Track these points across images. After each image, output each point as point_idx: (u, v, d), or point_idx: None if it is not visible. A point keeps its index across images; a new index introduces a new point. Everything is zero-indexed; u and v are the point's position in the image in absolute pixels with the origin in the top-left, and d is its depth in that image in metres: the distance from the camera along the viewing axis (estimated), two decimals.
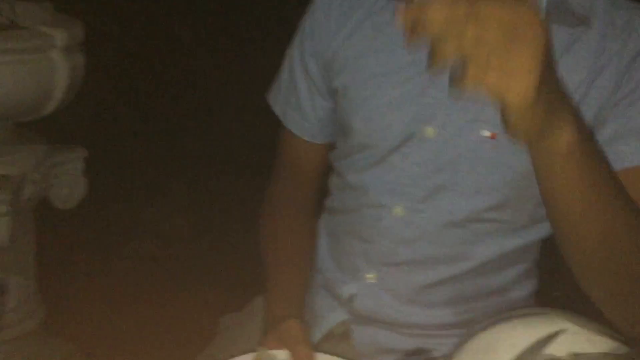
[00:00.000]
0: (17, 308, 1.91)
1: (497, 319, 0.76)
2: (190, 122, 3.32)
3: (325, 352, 0.79)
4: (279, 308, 0.87)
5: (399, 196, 0.86)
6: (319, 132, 0.98)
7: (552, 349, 0.66)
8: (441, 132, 0.82)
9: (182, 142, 3.22)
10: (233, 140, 3.16)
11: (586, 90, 0.76)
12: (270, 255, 0.96)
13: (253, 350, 0.76)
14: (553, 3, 0.77)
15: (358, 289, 0.92)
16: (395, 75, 0.84)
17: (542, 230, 0.87)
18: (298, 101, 0.96)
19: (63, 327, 2.06)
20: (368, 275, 0.91)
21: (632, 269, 0.66)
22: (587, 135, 0.62)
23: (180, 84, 3.51)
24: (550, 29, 0.76)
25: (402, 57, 0.84)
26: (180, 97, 3.47)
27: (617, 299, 0.68)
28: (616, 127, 0.73)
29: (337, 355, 0.79)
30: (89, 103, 2.48)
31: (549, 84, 0.53)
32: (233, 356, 0.76)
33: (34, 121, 1.86)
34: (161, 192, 2.86)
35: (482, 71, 0.49)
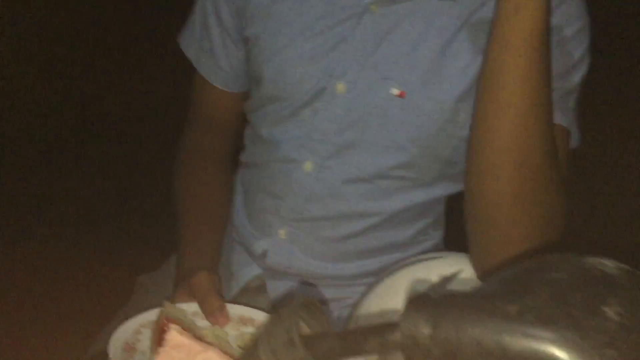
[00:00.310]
0: None
1: (402, 264, 0.80)
2: (107, 84, 3.21)
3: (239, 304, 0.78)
4: (190, 261, 0.85)
5: (308, 152, 0.87)
6: (233, 80, 0.95)
7: (454, 286, 0.70)
8: (352, 89, 0.82)
9: (100, 105, 3.11)
10: (152, 101, 3.07)
11: None
12: (182, 207, 0.93)
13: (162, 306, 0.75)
14: None
15: (270, 245, 0.92)
16: (308, 28, 0.83)
17: (449, 187, 0.90)
18: (211, 47, 0.93)
19: None
20: (279, 231, 0.91)
21: (539, 179, 0.68)
22: (546, 37, 0.65)
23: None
24: None
25: (316, 8, 0.82)
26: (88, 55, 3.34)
27: (517, 206, 0.69)
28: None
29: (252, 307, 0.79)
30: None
31: None
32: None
33: None
34: (80, 157, 2.75)
35: None
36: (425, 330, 0.36)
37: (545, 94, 0.66)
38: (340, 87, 0.83)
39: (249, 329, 0.75)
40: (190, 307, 0.76)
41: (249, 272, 0.96)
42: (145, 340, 0.72)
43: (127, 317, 0.76)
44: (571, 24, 0.75)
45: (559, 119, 0.73)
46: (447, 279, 0.70)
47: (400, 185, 0.87)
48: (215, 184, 0.97)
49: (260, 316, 0.76)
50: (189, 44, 0.96)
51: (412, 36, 0.80)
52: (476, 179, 0.70)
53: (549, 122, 0.68)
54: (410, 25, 0.80)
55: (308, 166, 0.87)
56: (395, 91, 0.81)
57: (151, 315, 0.74)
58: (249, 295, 0.95)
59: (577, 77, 0.77)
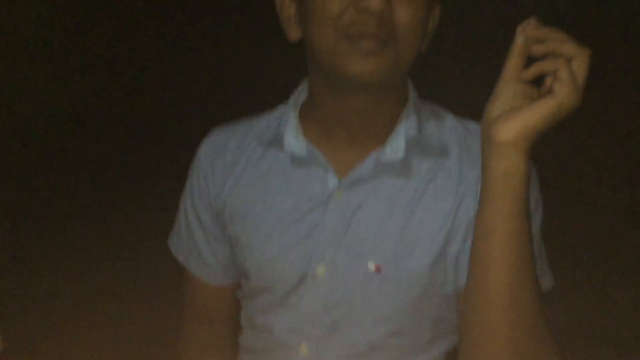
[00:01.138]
0: None
1: None
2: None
3: None
4: None
5: (301, 335, 0.88)
6: (222, 274, 0.99)
7: None
8: (331, 270, 0.85)
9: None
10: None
11: (454, 217, 0.82)
12: None
13: None
14: (412, 139, 0.84)
15: None
16: (282, 221, 0.87)
17: (445, 344, 0.90)
18: (197, 248, 0.97)
19: None
20: None
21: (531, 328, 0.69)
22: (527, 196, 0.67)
23: None
24: (412, 165, 0.84)
25: (286, 202, 0.87)
26: None
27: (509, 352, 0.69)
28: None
29: None
30: None
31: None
32: None
33: None
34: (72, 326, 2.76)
35: None
36: None
37: (531, 251, 0.69)
38: (320, 270, 0.86)
39: None
40: None
41: None
42: None
43: None
44: None
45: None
46: None
47: (398, 355, 0.87)
48: None
49: None
50: (177, 246, 1.00)
51: (378, 213, 0.84)
52: (471, 341, 0.71)
53: (536, 279, 0.70)
54: (374, 204, 0.84)
55: (304, 349, 0.88)
56: (372, 266, 0.83)
57: None
58: None
59: (533, 227, 0.79)
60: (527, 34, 0.65)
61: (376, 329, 0.86)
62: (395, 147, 0.84)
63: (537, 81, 0.67)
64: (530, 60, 0.67)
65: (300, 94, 0.92)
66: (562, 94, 0.62)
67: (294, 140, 0.87)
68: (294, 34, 0.82)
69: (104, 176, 3.09)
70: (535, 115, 0.63)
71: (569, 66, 0.63)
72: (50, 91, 3.42)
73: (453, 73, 4.74)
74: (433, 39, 0.85)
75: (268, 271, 0.88)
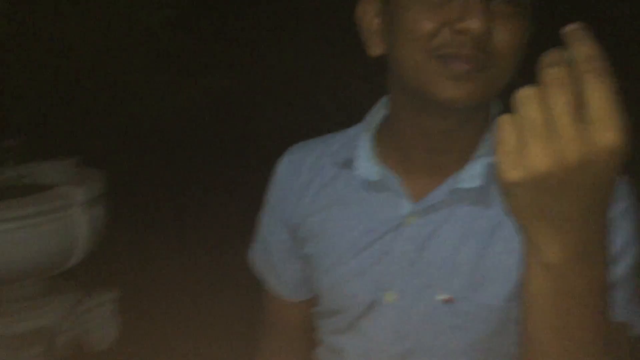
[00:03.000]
0: None
1: None
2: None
3: None
4: None
5: None
6: (298, 291, 0.99)
7: None
8: (400, 298, 0.83)
9: (219, 264, 3.28)
10: None
11: None
12: None
13: None
14: (491, 166, 0.79)
15: None
16: (354, 245, 0.86)
17: None
18: (273, 265, 0.98)
19: None
20: None
21: None
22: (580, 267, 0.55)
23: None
24: (490, 192, 0.79)
25: (359, 226, 0.86)
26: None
27: None
28: None
29: None
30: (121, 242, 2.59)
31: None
32: None
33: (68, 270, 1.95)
34: (195, 323, 2.90)
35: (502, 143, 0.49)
36: None
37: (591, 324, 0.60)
38: (390, 297, 0.84)
39: None
40: None
41: None
42: None
43: None
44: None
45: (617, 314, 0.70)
46: None
47: None
48: None
49: None
50: (256, 260, 1.02)
51: (451, 242, 0.80)
52: None
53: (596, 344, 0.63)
54: (448, 232, 0.81)
55: None
56: (442, 297, 0.80)
57: None
58: None
59: (619, 269, 0.73)
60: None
61: None
62: (473, 173, 0.80)
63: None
64: None
65: (377, 114, 0.90)
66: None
67: (367, 164, 0.85)
68: (376, 49, 0.79)
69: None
70: None
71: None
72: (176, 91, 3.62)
73: None
74: None
75: (338, 294, 0.88)
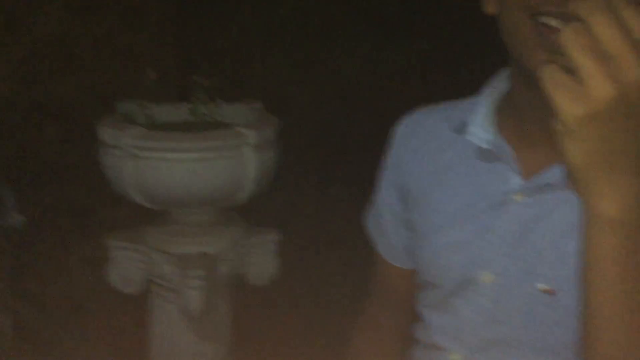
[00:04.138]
0: None
1: None
2: None
3: None
4: None
5: (457, 343, 0.83)
6: (405, 257, 0.98)
7: None
8: (497, 280, 0.78)
9: None
10: None
11: None
12: None
13: None
14: None
15: None
16: (456, 216, 0.82)
17: None
18: (384, 229, 0.98)
19: None
20: None
21: None
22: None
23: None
24: None
25: (464, 196, 0.82)
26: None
27: None
28: None
29: None
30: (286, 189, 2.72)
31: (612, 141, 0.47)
32: None
33: (236, 206, 2.11)
34: (351, 269, 2.97)
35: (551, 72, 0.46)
36: None
37: None
38: (487, 277, 0.79)
39: None
40: None
41: None
42: None
43: None
44: None
45: None
46: None
47: None
48: (387, 358, 0.99)
49: None
50: (369, 222, 1.02)
51: (561, 228, 0.73)
52: None
53: None
54: (558, 217, 0.74)
55: (456, 357, 0.83)
56: (542, 287, 0.74)
57: None
58: None
59: None
60: None
61: (537, 359, 0.75)
62: None
63: None
64: None
65: (498, 84, 0.84)
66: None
67: (481, 130, 0.80)
68: (490, 7, 0.73)
69: None
70: None
71: None
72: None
73: None
74: None
75: (434, 266, 0.85)
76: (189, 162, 1.87)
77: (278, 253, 2.24)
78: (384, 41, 3.94)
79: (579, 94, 0.45)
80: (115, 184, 1.97)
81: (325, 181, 3.50)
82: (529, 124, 0.76)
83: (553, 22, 0.62)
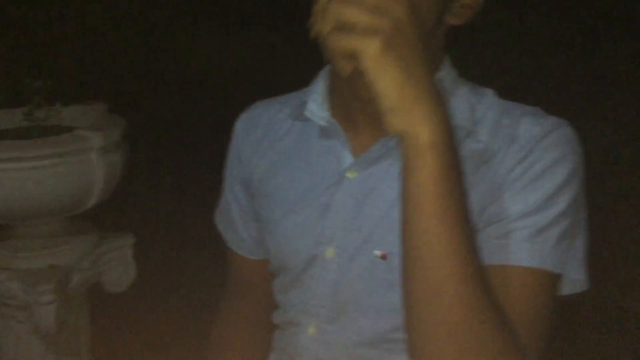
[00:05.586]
0: None
1: None
2: None
3: None
4: None
5: (310, 316, 0.87)
6: (255, 249, 1.00)
7: None
8: (340, 253, 0.83)
9: None
10: None
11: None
12: None
13: None
14: None
15: None
16: (298, 200, 0.86)
17: None
18: (234, 223, 1.00)
19: None
20: None
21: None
22: (449, 147, 0.60)
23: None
24: None
25: (303, 181, 0.86)
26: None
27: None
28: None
29: None
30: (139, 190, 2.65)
31: (407, 60, 0.56)
32: None
33: (86, 212, 2.01)
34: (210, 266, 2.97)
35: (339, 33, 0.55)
36: None
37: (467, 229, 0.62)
38: (330, 252, 0.84)
39: None
40: None
41: None
42: None
43: None
44: (541, 158, 0.72)
45: (525, 259, 0.70)
46: None
47: (404, 347, 0.82)
48: (248, 349, 1.01)
49: None
50: (219, 218, 1.03)
51: (389, 197, 0.80)
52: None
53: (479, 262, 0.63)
54: (386, 187, 0.80)
55: (311, 330, 0.88)
56: (378, 253, 0.80)
57: None
58: None
59: (552, 211, 0.71)
60: None
61: (382, 320, 0.82)
62: None
63: None
64: None
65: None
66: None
67: (318, 108, 0.85)
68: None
69: None
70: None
71: None
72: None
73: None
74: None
75: (283, 250, 0.89)
76: (28, 171, 1.76)
77: (134, 257, 2.17)
78: (230, 33, 3.93)
79: (368, 32, 0.54)
80: None
81: (179, 178, 3.44)
82: (352, 103, 0.81)
83: None
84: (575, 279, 0.75)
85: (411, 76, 0.56)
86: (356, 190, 0.82)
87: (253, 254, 1.01)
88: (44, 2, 3.09)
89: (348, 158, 0.83)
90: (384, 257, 0.80)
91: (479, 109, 0.79)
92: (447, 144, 0.59)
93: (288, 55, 3.68)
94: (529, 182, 0.72)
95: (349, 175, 0.82)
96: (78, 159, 1.81)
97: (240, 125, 0.96)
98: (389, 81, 0.55)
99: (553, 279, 0.72)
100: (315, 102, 0.85)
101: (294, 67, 3.56)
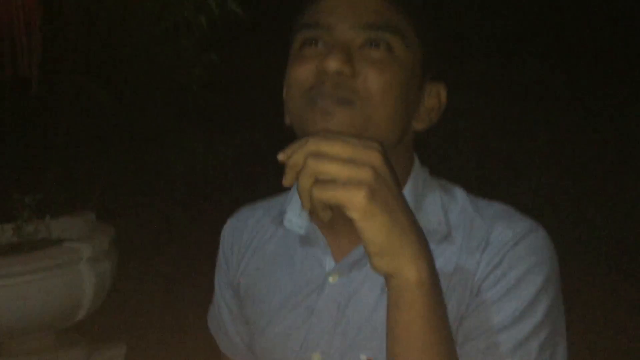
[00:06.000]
0: None
1: None
2: None
3: None
4: None
5: None
6: (247, 352, 0.99)
7: None
8: (325, 358, 0.82)
9: None
10: None
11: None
12: None
13: None
14: None
15: None
16: (282, 306, 0.86)
17: None
18: (224, 327, 0.99)
19: None
20: None
21: None
22: (434, 284, 0.63)
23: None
24: None
25: (286, 286, 0.87)
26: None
27: None
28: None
29: None
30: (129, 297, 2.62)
31: (391, 206, 0.59)
32: None
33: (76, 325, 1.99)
34: None
35: (322, 187, 0.58)
36: None
37: (445, 336, 0.65)
38: (316, 358, 0.83)
39: None
40: None
41: None
42: None
43: None
44: (514, 266, 0.74)
45: None
46: None
47: None
48: None
49: None
50: (211, 323, 1.03)
51: (370, 301, 0.80)
52: None
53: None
54: (367, 291, 0.80)
55: None
56: (364, 357, 0.80)
57: None
58: None
59: (529, 322, 0.73)
60: None
61: None
62: None
63: None
64: None
65: None
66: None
67: (295, 217, 0.86)
68: (287, 118, 0.81)
69: None
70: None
71: None
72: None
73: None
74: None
75: (270, 355, 0.88)
76: (17, 287, 1.75)
77: None
78: (213, 135, 4.02)
79: (350, 184, 0.58)
80: None
81: (171, 282, 3.41)
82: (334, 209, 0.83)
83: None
84: None
85: (397, 221, 0.59)
86: (338, 295, 0.82)
87: (244, 357, 1.00)
88: (28, 114, 3.17)
89: (330, 262, 0.83)
90: None
91: (452, 210, 0.82)
92: (433, 281, 0.62)
93: (270, 152, 3.75)
94: (505, 292, 0.74)
95: (331, 279, 0.83)
96: (67, 271, 1.82)
97: (227, 231, 0.97)
98: (376, 229, 0.58)
99: None
100: (293, 212, 0.86)
101: (277, 165, 3.62)
